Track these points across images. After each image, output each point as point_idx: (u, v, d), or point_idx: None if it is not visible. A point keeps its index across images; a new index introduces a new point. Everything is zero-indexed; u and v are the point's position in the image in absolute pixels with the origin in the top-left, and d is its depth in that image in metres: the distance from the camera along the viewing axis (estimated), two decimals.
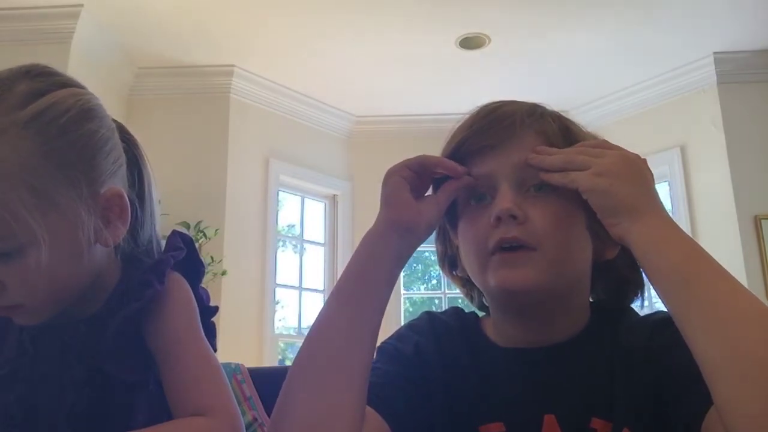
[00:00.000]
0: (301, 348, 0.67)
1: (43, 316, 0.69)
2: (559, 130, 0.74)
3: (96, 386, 0.68)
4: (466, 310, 0.83)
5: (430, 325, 0.78)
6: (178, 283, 0.74)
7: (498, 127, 0.73)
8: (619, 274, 0.75)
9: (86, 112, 0.66)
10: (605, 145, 0.71)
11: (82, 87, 0.69)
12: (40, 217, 0.62)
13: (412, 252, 0.72)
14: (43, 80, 0.65)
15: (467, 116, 0.77)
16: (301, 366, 0.65)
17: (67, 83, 0.67)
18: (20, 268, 0.63)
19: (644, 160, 0.69)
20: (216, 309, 0.79)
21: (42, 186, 0.62)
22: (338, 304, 0.69)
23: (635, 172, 0.67)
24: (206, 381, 0.69)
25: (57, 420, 0.67)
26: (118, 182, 0.70)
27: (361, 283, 0.69)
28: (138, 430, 0.65)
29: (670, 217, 0.66)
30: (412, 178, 0.72)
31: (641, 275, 0.74)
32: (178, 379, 0.69)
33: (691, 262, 0.61)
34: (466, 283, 0.81)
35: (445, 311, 0.82)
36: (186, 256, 0.77)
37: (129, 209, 0.70)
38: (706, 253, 0.62)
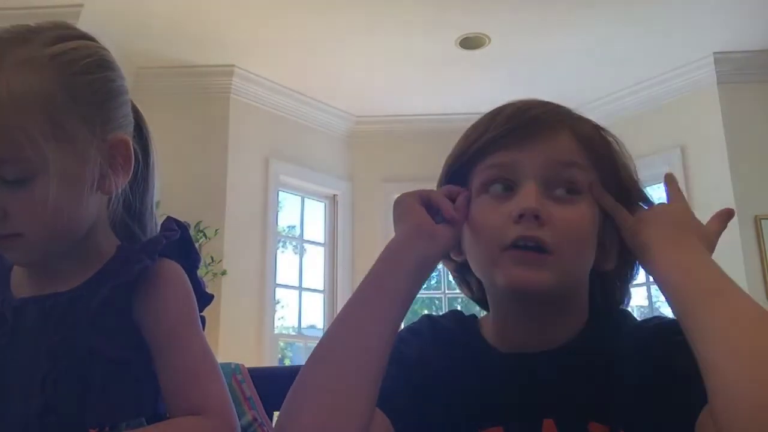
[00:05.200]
0: (319, 343, 0.67)
1: (35, 254, 0.70)
2: (596, 136, 0.75)
3: (74, 358, 0.67)
4: (465, 313, 0.83)
5: (431, 330, 0.79)
6: (176, 272, 0.73)
7: (531, 121, 0.71)
8: (611, 284, 0.78)
9: (106, 62, 0.72)
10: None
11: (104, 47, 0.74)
12: (54, 146, 0.65)
13: (436, 259, 0.72)
14: (70, 31, 0.72)
15: (494, 110, 0.76)
16: (317, 360, 0.66)
17: (92, 39, 0.73)
18: (27, 196, 0.65)
19: (689, 209, 0.74)
20: (211, 297, 0.79)
21: (59, 116, 0.66)
22: (358, 304, 0.69)
23: (672, 218, 0.72)
24: (203, 379, 0.69)
25: (31, 390, 0.66)
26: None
27: (382, 286, 0.69)
28: (134, 430, 0.65)
29: (689, 242, 0.69)
30: (422, 204, 0.74)
31: (627, 289, 0.79)
32: (174, 374, 0.69)
33: (697, 279, 0.64)
34: (459, 268, 0.80)
35: (445, 315, 0.82)
36: (181, 245, 0.77)
37: (133, 160, 0.73)
38: (718, 269, 0.65)
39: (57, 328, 0.68)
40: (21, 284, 0.74)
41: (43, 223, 0.67)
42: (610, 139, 0.76)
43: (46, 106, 0.65)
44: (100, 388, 0.67)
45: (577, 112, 0.76)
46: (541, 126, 0.71)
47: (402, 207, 0.74)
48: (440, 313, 0.84)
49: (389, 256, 0.71)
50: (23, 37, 0.68)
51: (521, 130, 0.71)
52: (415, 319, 0.82)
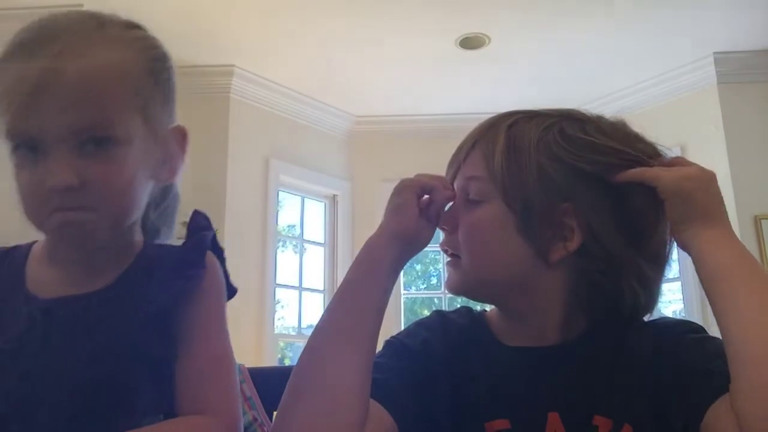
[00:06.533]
0: (306, 345, 0.70)
1: (95, 239, 0.67)
2: (504, 149, 0.75)
3: (118, 360, 0.64)
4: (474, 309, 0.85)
5: (440, 323, 0.81)
6: (215, 267, 0.73)
7: (463, 145, 0.81)
8: (626, 292, 0.74)
9: (167, 56, 0.76)
10: (682, 161, 0.75)
11: None
12: (139, 121, 0.67)
13: (409, 259, 0.78)
14: (132, 21, 0.75)
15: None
16: (305, 361, 0.69)
17: None
18: (107, 167, 0.65)
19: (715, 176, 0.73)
20: (235, 291, 0.77)
21: (145, 94, 0.68)
22: (340, 305, 0.73)
23: (713, 185, 0.71)
24: (217, 379, 0.68)
25: (61, 397, 0.62)
26: None
27: (362, 286, 0.73)
28: (137, 430, 0.63)
29: (731, 229, 0.71)
30: (420, 197, 0.77)
31: (652, 294, 0.75)
32: (191, 369, 0.67)
33: (739, 265, 0.66)
34: None
35: (456, 310, 0.84)
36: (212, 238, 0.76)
37: (187, 152, 0.74)
38: (754, 259, 0.68)
39: (100, 329, 0.65)
40: (43, 283, 0.70)
41: (116, 199, 0.66)
42: (517, 155, 0.75)
43: (135, 83, 0.67)
44: (135, 390, 0.65)
45: (499, 125, 0.77)
46: (464, 149, 0.80)
47: (400, 200, 0.77)
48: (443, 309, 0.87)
49: (368, 257, 0.76)
50: (98, 21, 0.70)
51: (457, 154, 0.81)
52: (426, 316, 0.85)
